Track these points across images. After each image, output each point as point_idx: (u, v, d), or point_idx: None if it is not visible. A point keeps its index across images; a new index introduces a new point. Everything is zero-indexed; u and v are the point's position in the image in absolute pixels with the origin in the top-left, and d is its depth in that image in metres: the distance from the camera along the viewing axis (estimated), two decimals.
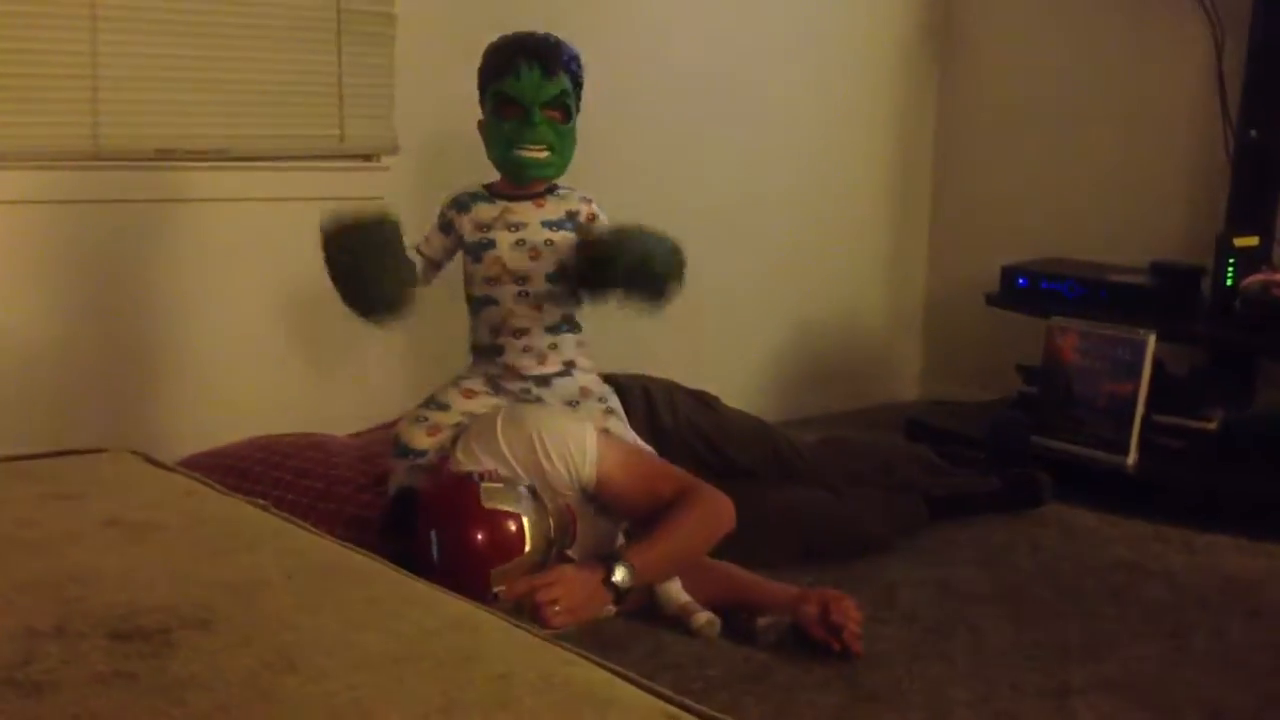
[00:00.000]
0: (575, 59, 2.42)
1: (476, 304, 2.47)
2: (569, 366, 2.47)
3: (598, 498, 2.33)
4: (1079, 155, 3.99)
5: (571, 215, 2.44)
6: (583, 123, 2.45)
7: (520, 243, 2.40)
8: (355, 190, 3.11)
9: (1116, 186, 3.90)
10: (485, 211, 2.43)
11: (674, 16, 3.66)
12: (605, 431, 2.40)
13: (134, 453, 1.94)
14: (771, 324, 4.04)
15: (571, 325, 2.48)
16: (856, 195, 4.21)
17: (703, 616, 2.33)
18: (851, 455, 2.97)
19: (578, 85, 2.43)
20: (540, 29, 2.44)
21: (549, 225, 2.42)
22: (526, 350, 2.44)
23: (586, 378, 2.49)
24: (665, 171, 3.68)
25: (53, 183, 2.71)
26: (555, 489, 2.27)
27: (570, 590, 2.14)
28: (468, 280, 2.47)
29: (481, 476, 2.20)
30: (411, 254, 2.39)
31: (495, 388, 2.45)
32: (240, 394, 3.00)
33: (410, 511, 2.17)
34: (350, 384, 3.14)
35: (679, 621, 2.34)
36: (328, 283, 2.31)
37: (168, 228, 2.88)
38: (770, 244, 3.97)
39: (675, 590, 2.38)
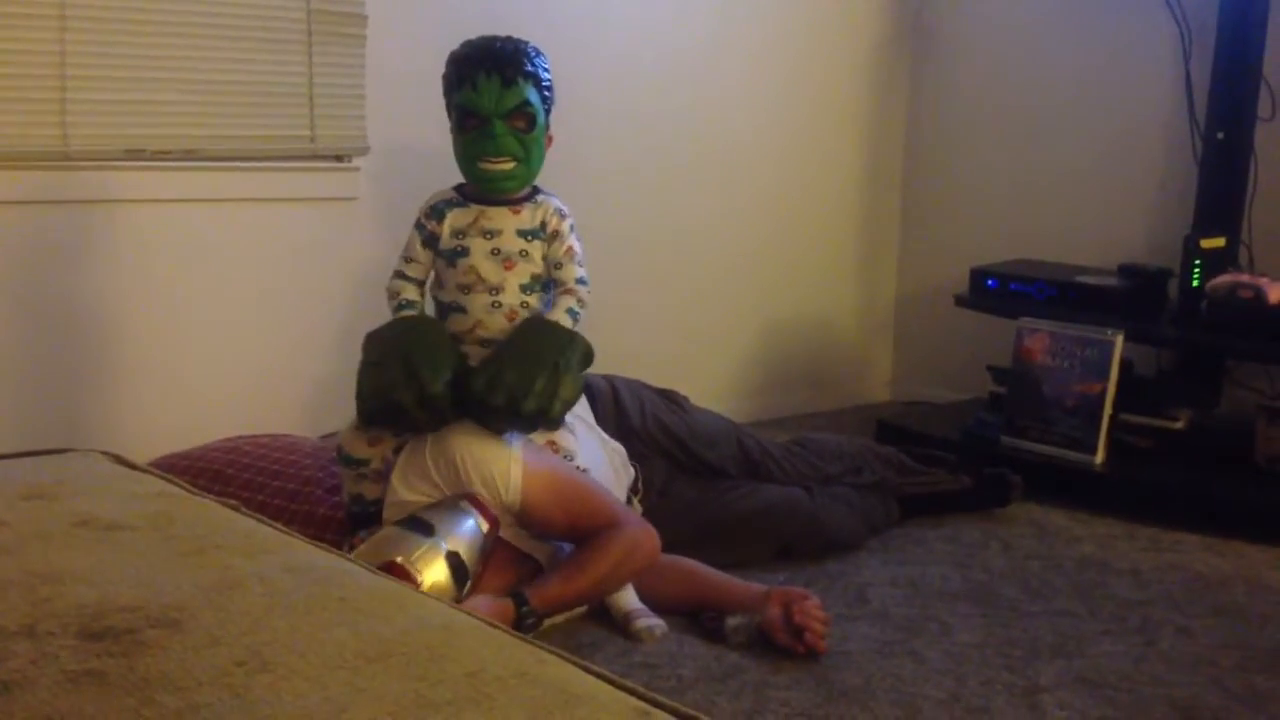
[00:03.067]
0: (538, 63, 2.32)
1: (444, 309, 2.37)
2: None
3: (521, 518, 2.31)
4: (1048, 158, 4.01)
5: (545, 225, 2.34)
6: (560, 128, 2.40)
7: (495, 251, 2.31)
8: (326, 191, 3.11)
9: (1085, 189, 3.93)
10: (460, 217, 2.34)
11: (644, 17, 3.67)
12: (552, 444, 2.37)
13: (104, 453, 1.93)
14: (742, 326, 4.05)
15: None
16: (827, 197, 4.22)
17: (642, 623, 2.33)
18: (821, 455, 2.98)
19: (545, 89, 2.33)
20: (509, 27, 2.39)
21: (524, 234, 2.32)
22: None
23: None
24: (635, 174, 3.69)
25: (21, 183, 2.70)
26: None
27: None
28: (438, 283, 2.38)
29: (391, 564, 2.11)
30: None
31: None
32: (211, 395, 2.99)
33: None
34: (322, 385, 3.14)
35: (623, 627, 2.35)
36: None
37: (137, 228, 2.87)
38: (741, 245, 3.98)
39: (623, 596, 2.39)
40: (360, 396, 2.29)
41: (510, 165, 2.29)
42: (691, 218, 3.84)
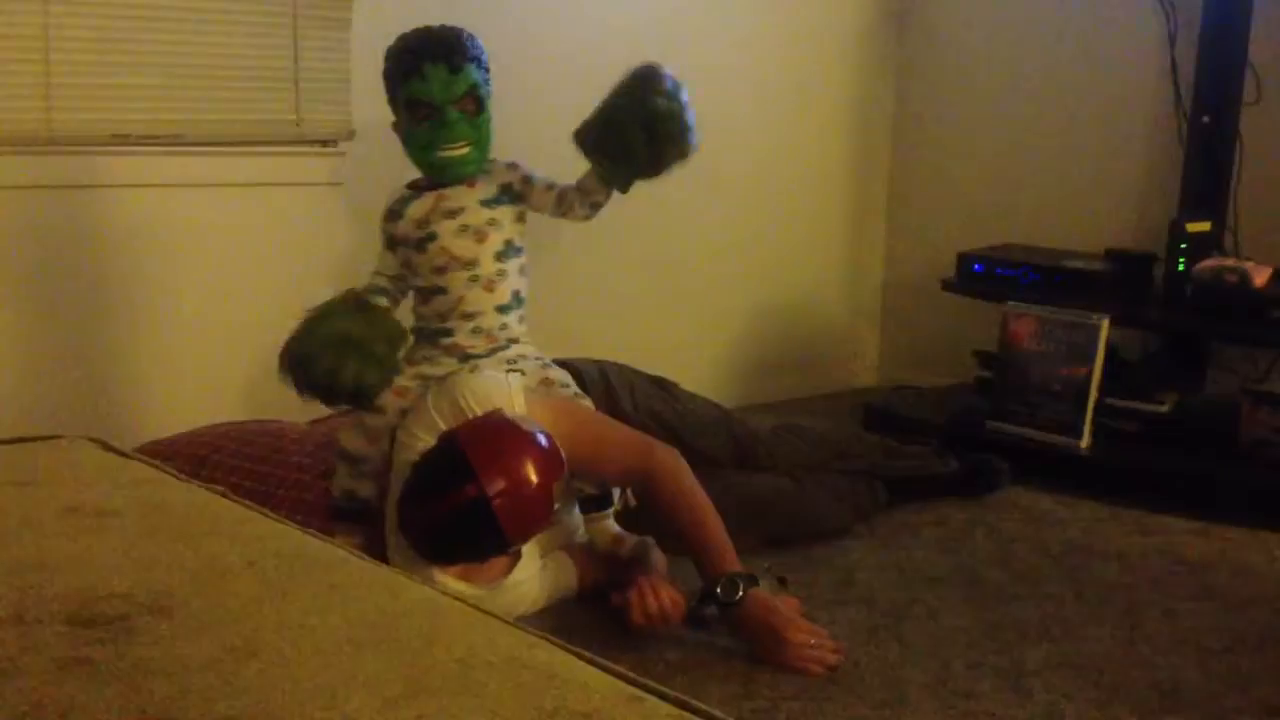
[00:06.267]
0: (478, 46, 2.38)
1: (424, 293, 2.43)
2: (511, 342, 2.44)
3: None
4: (1034, 142, 4.01)
5: (505, 188, 2.41)
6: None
7: (464, 228, 2.38)
8: (311, 175, 3.10)
9: (1071, 173, 3.93)
10: (419, 207, 2.40)
11: (626, 2, 3.66)
12: (546, 381, 2.42)
13: (91, 440, 1.92)
14: (729, 311, 4.05)
15: (519, 301, 2.45)
16: (814, 181, 4.22)
17: (631, 539, 2.40)
18: (808, 441, 2.98)
19: (485, 70, 2.39)
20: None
21: (487, 204, 2.39)
22: (476, 331, 2.41)
23: (525, 348, 2.46)
24: None
25: (4, 168, 2.68)
26: None
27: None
28: (413, 272, 2.43)
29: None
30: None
31: (424, 379, 2.40)
32: (198, 380, 2.98)
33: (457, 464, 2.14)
34: None
35: (613, 555, 2.41)
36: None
37: (122, 213, 2.85)
38: (729, 230, 3.98)
39: (608, 526, 2.44)
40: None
41: (465, 150, 2.36)
42: (678, 203, 3.83)
